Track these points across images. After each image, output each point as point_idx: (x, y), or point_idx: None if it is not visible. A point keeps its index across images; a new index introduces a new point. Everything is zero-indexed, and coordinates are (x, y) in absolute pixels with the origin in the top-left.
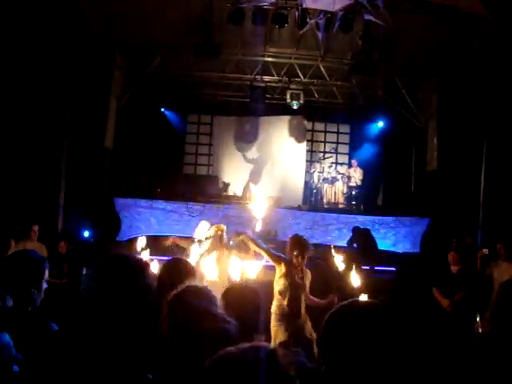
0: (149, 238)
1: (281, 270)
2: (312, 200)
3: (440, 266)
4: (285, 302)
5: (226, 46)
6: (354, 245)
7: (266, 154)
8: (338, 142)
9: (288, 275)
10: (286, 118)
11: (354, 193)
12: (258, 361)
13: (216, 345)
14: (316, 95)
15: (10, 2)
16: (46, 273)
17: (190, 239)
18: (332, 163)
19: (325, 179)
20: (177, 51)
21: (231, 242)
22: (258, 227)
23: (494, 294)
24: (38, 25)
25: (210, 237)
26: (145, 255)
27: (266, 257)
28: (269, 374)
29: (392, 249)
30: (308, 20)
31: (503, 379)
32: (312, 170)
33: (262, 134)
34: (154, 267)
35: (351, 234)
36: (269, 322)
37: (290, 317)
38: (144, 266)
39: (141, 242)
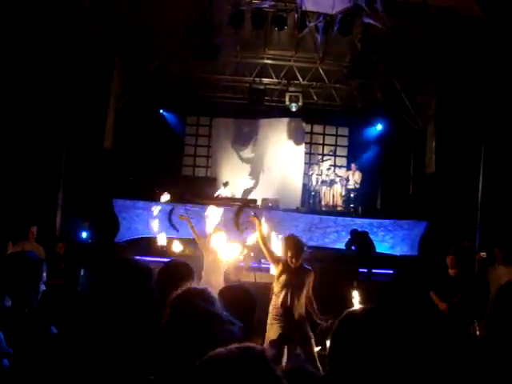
0: (147, 239)
1: (278, 270)
2: (310, 202)
3: (438, 269)
4: (279, 302)
5: (225, 48)
6: (353, 247)
7: (264, 156)
8: (336, 145)
9: (283, 276)
10: (285, 120)
11: (352, 195)
12: (246, 361)
13: (221, 346)
14: (315, 98)
15: (9, 2)
16: (44, 274)
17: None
18: (330, 166)
19: (323, 182)
20: (176, 53)
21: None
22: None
23: (491, 298)
24: (37, 25)
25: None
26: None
27: (265, 253)
28: (256, 375)
29: (390, 251)
30: (307, 23)
31: (501, 382)
32: (310, 173)
33: (260, 136)
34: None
35: (349, 237)
36: (264, 323)
37: (282, 316)
38: (151, 269)
39: (161, 238)
